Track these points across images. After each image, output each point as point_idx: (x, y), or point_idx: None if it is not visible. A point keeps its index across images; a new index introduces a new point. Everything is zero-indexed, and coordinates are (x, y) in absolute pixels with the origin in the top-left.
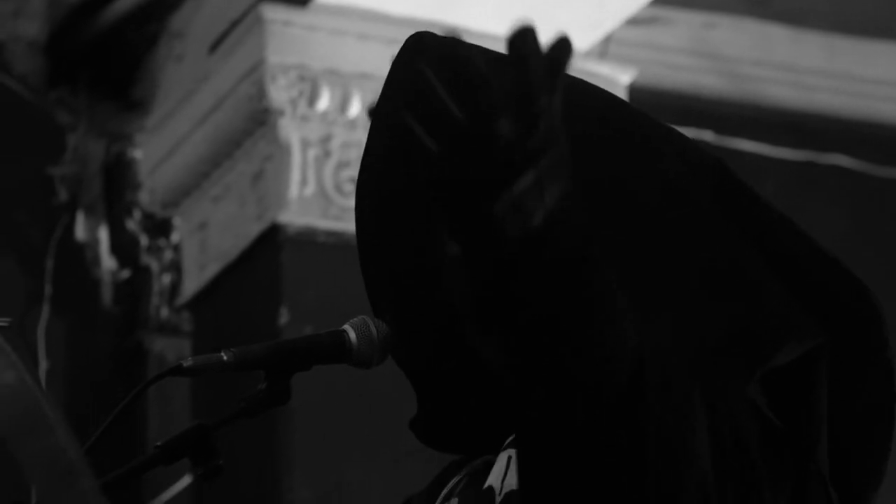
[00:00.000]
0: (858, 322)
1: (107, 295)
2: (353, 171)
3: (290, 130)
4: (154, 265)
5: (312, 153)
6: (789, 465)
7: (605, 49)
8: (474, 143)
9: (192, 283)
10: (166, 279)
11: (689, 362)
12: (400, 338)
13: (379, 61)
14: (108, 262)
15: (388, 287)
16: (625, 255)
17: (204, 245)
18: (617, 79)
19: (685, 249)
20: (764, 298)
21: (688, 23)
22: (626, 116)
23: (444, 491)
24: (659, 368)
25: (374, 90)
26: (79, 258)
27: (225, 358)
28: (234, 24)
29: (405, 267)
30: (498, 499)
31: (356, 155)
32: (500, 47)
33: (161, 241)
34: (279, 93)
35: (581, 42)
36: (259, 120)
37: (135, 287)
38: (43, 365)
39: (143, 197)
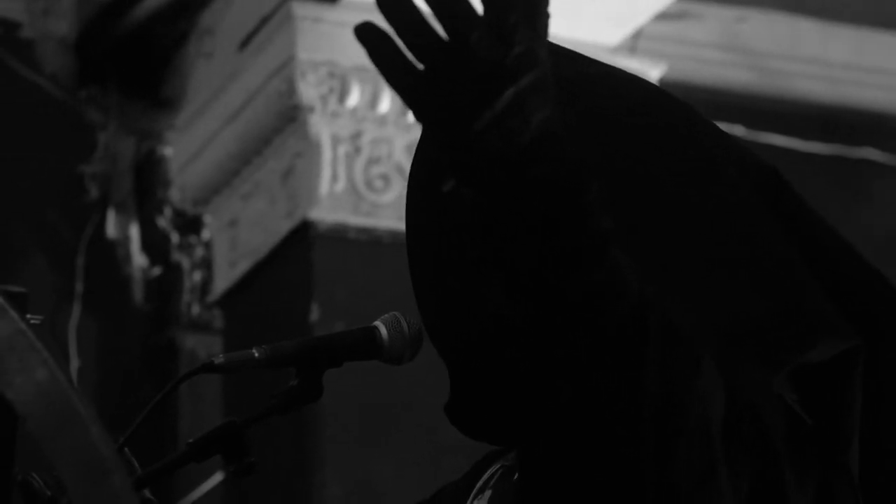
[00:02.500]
0: None
1: (138, 292)
2: (384, 168)
3: (321, 127)
4: (185, 262)
5: (343, 150)
6: (815, 463)
7: (635, 44)
8: (453, 59)
9: (222, 280)
10: (197, 276)
11: (711, 343)
12: (441, 323)
13: None
14: (139, 259)
15: (430, 272)
16: (657, 239)
17: (234, 242)
18: (647, 74)
19: (724, 238)
20: (801, 296)
21: (717, 17)
22: (669, 107)
23: (479, 483)
24: (665, 321)
25: None
26: (110, 256)
27: (256, 355)
28: (264, 20)
29: (448, 250)
30: None
31: (386, 151)
32: None
33: (192, 239)
34: (309, 89)
35: (611, 37)
36: (289, 117)
37: (166, 284)
38: (74, 362)
39: (174, 194)
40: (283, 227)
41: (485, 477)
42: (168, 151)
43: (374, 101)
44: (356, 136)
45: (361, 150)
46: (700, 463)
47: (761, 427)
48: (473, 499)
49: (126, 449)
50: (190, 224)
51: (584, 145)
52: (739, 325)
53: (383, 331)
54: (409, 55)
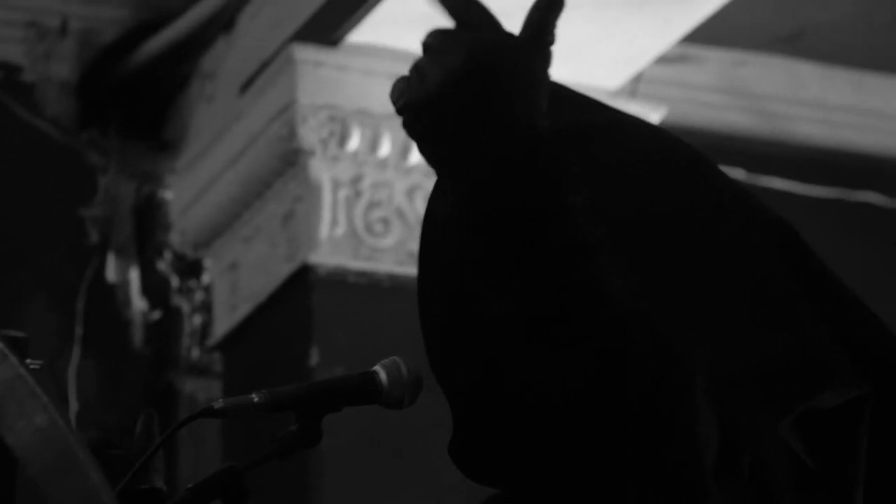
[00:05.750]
0: None
1: (138, 336)
2: (384, 212)
3: (321, 171)
4: (185, 306)
5: (343, 193)
6: None
7: (636, 87)
8: None
9: (222, 324)
10: (197, 320)
11: (718, 382)
12: (447, 359)
13: None
14: (138, 303)
15: (439, 306)
16: (667, 280)
17: (235, 286)
18: (647, 117)
19: (734, 281)
20: (810, 341)
21: (717, 61)
22: (688, 153)
23: None
24: (654, 338)
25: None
26: (110, 299)
27: (256, 399)
28: (265, 64)
29: (457, 285)
30: None
31: (387, 195)
32: None
33: (192, 282)
34: (309, 133)
35: (612, 80)
36: (289, 160)
37: (165, 328)
38: (73, 406)
39: (174, 238)
40: (284, 270)
41: None
42: (168, 195)
43: (374, 145)
44: (356, 180)
45: (362, 194)
46: (692, 484)
47: (762, 468)
48: None
49: None
50: (190, 268)
51: (596, 190)
52: (747, 367)
53: (383, 375)
54: None
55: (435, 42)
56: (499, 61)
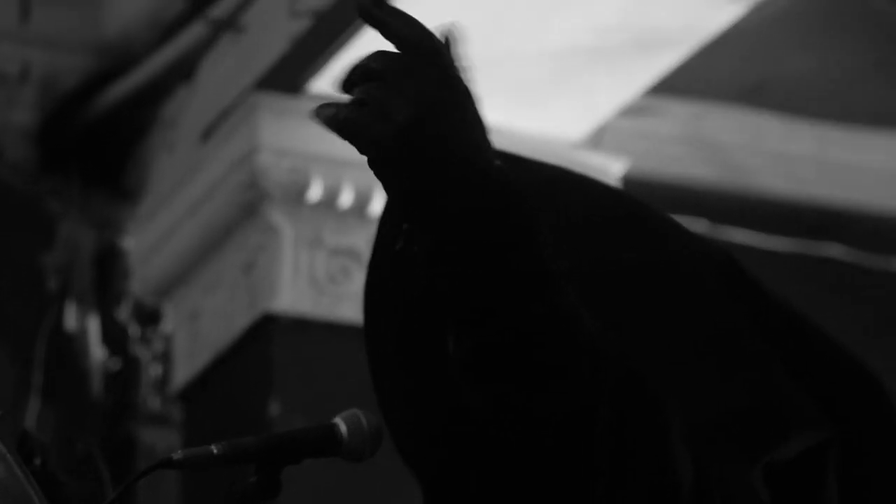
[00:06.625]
0: (874, 418)
1: (96, 385)
2: (345, 261)
3: (282, 219)
4: (144, 355)
5: (304, 242)
6: None
7: (599, 139)
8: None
9: (182, 374)
10: (156, 369)
11: (685, 431)
12: (408, 428)
13: None
14: (97, 351)
15: (396, 369)
16: (629, 334)
17: (195, 335)
18: (609, 169)
19: (693, 331)
20: (770, 388)
21: (680, 112)
22: (630, 205)
23: None
24: (626, 370)
25: (366, 179)
26: (69, 348)
27: (215, 451)
28: (226, 112)
29: (419, 327)
30: None
31: (348, 244)
32: (497, 139)
33: (151, 331)
34: (271, 182)
35: (574, 132)
36: (250, 209)
37: (125, 377)
38: None
39: (134, 286)
40: (244, 319)
41: None
42: (129, 243)
43: (335, 194)
44: (318, 228)
45: (323, 242)
46: None
47: None
48: None
49: None
50: (150, 316)
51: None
52: (709, 420)
53: (343, 428)
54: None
55: (382, 67)
56: (465, 94)
